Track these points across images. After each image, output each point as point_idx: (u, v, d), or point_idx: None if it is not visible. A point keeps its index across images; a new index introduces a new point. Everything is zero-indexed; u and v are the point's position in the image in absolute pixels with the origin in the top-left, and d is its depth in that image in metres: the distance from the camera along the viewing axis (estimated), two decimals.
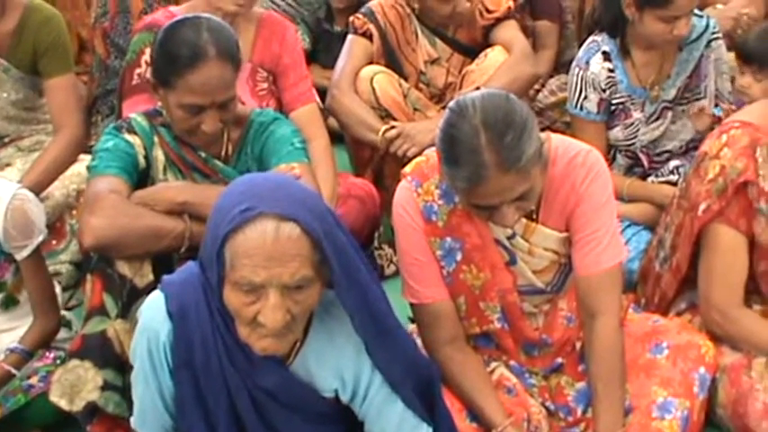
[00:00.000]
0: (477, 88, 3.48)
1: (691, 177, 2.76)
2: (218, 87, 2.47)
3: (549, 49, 4.48)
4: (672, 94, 3.44)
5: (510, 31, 3.76)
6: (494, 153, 2.12)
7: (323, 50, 4.88)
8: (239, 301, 1.84)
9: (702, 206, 2.65)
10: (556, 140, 2.46)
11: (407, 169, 2.50)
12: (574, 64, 3.47)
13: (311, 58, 4.78)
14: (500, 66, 3.64)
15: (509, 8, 3.81)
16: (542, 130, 4.09)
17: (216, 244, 1.84)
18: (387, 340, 2.01)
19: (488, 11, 3.78)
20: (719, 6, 4.14)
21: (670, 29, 3.19)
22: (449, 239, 2.44)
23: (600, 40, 3.41)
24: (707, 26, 3.41)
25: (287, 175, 2.42)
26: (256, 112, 2.75)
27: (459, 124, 2.17)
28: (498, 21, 3.78)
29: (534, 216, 2.45)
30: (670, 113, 3.47)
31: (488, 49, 3.73)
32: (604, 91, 3.38)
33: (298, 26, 4.75)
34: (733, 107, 3.42)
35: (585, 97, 3.40)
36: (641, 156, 3.51)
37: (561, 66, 4.44)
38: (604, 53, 3.38)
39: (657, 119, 3.46)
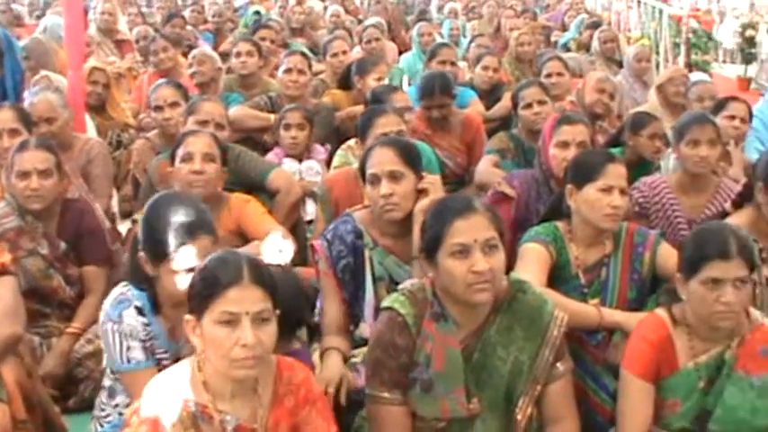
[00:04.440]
0: None
1: None
2: None
3: (95, 294, 4.31)
4: None
5: None
6: None
7: None
8: None
9: None
10: None
11: None
12: (104, 319, 3.15)
13: None
14: None
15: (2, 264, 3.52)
16: (81, 380, 4.04)
17: None
18: None
19: None
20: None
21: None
22: None
23: (129, 294, 3.15)
24: None
25: None
26: None
27: None
28: None
29: None
30: None
31: None
32: (144, 341, 3.11)
33: None
34: None
35: (129, 348, 3.09)
36: None
37: None
38: (137, 308, 3.12)
39: None
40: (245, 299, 2.52)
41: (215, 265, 2.61)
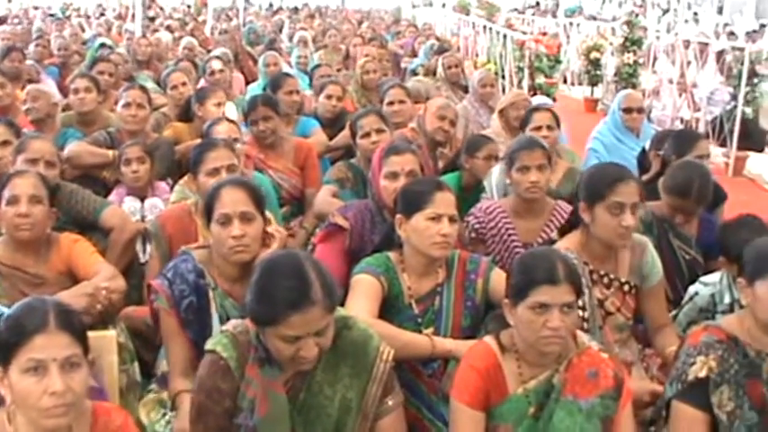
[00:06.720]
0: None
1: None
2: None
3: None
4: None
5: None
6: None
7: None
8: None
9: None
10: None
11: None
12: None
13: None
14: None
15: None
16: None
17: None
18: None
19: None
20: None
21: None
22: None
23: None
24: None
25: None
26: None
27: None
28: None
29: None
30: None
31: None
32: None
33: None
34: None
35: None
36: None
37: None
38: None
39: None
40: (51, 345, 2.45)
41: (20, 312, 2.54)
